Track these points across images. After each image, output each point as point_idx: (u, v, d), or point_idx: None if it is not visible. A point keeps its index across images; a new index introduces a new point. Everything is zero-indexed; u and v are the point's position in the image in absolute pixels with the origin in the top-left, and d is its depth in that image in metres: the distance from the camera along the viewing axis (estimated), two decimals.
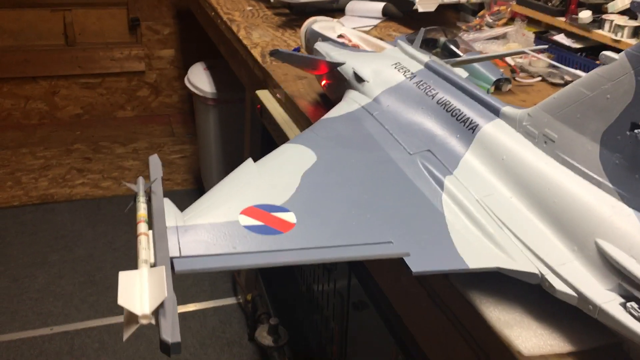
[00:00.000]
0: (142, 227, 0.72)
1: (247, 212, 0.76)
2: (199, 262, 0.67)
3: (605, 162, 0.70)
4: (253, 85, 1.86)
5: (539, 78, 1.63)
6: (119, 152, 3.99)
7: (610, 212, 0.68)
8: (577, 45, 1.63)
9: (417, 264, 0.69)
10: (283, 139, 1.46)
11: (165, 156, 3.98)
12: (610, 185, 0.69)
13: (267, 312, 2.24)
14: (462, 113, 0.95)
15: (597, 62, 1.59)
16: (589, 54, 1.61)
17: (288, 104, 1.51)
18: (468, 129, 0.93)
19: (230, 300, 2.73)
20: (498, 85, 1.52)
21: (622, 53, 0.69)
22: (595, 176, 0.71)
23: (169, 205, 0.76)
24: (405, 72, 1.15)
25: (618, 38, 1.50)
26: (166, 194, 0.80)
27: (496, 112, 0.91)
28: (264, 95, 1.66)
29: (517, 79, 1.62)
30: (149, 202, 0.78)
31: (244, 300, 2.56)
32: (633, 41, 1.48)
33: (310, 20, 1.71)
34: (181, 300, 2.69)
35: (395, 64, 1.19)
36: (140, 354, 2.41)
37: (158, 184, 0.79)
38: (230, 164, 3.05)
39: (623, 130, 0.68)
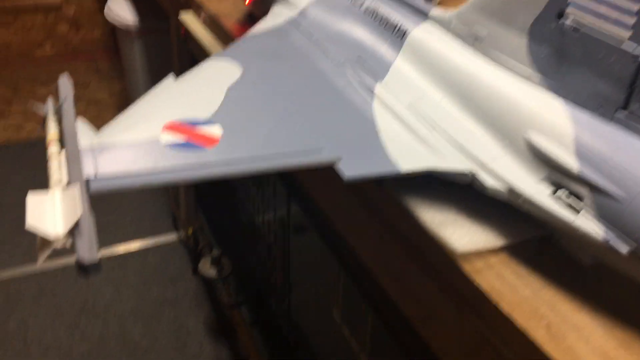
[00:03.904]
0: (53, 148, 0.66)
1: (169, 128, 0.72)
2: (117, 181, 0.62)
3: (533, 55, 0.69)
4: (176, 9, 1.76)
5: None
6: (41, 92, 3.77)
7: (538, 103, 0.67)
8: None
9: (349, 169, 0.67)
10: None
11: (92, 94, 3.79)
12: (539, 77, 0.68)
13: (209, 244, 2.22)
14: (391, 19, 0.92)
15: None
16: None
17: (213, 24, 1.43)
18: (397, 36, 0.90)
19: (171, 237, 2.68)
20: None
21: None
22: (524, 70, 0.70)
23: (82, 125, 0.71)
24: None
25: None
26: None
27: (424, 15, 0.89)
28: (188, 18, 1.57)
29: None
30: (60, 123, 0.72)
31: (185, 234, 2.53)
32: None
33: None
34: (119, 239, 2.63)
35: None
36: (82, 295, 2.37)
37: (69, 103, 0.73)
38: None
39: (550, 21, 0.66)
